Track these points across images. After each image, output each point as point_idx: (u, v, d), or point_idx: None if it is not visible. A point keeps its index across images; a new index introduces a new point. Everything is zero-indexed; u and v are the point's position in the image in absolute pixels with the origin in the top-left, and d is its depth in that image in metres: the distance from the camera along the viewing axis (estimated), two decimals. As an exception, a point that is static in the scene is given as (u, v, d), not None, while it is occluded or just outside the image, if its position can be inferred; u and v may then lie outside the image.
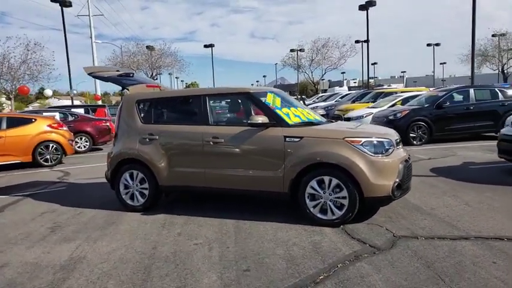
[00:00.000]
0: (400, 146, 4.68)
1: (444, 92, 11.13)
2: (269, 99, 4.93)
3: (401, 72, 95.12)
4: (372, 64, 61.16)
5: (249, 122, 4.60)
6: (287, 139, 4.49)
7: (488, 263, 3.26)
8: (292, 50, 47.60)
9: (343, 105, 18.25)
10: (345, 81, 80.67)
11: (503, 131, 6.68)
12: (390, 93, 16.72)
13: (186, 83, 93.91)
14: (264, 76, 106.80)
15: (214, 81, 50.09)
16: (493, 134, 11.19)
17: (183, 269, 3.46)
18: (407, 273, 3.15)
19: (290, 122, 4.66)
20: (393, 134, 4.70)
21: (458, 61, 50.50)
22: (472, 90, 10.98)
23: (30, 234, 4.68)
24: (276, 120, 4.62)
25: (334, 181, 4.29)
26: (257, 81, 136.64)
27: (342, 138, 4.32)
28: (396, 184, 4.26)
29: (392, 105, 13.88)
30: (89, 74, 6.00)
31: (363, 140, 4.29)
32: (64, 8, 23.70)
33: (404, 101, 14.11)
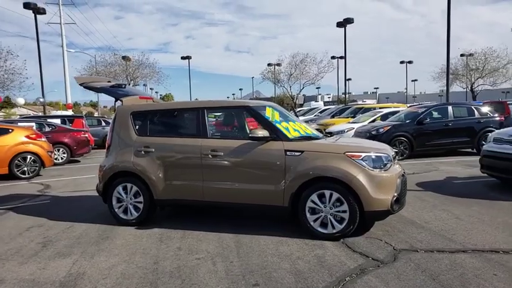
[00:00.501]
0: (396, 161, 4.81)
1: (424, 109, 11.52)
2: (268, 113, 4.98)
3: (374, 88, 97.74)
4: (347, 80, 62.63)
5: (250, 135, 4.62)
6: (288, 153, 4.54)
7: (489, 275, 3.37)
8: (269, 65, 48.17)
9: (323, 120, 18.55)
10: (319, 96, 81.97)
11: (485, 147, 6.96)
12: (369, 109, 17.14)
13: (161, 95, 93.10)
14: (241, 89, 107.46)
15: (190, 93, 49.90)
16: (469, 149, 11.67)
17: (190, 284, 3.41)
18: (415, 286, 3.21)
19: (290, 136, 4.71)
20: (389, 149, 4.83)
21: (430, 78, 52.40)
22: (450, 108, 11.42)
23: (21, 249, 4.49)
24: (277, 134, 4.67)
25: (335, 195, 4.34)
26: (233, 94, 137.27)
27: (342, 153, 4.40)
28: (395, 198, 4.36)
29: (373, 121, 14.23)
30: (80, 85, 5.89)
31: (363, 154, 4.39)
32: (37, 15, 23.24)
33: (384, 116, 14.50)
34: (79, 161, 14.18)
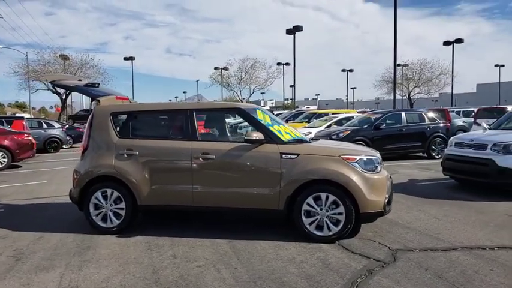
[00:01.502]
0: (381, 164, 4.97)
1: (380, 115, 12.08)
2: (260, 116, 4.92)
3: (316, 95, 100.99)
4: (290, 86, 64.16)
5: (245, 138, 4.53)
6: (283, 156, 4.51)
7: (487, 271, 3.57)
8: (216, 68, 48.03)
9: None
10: (262, 102, 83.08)
11: (447, 151, 7.45)
12: (321, 115, 17.67)
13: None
14: (184, 92, 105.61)
15: (133, 95, 48.10)
16: (420, 154, 12.41)
17: (202, 293, 3.24)
18: (426, 284, 3.31)
19: (284, 139, 4.69)
20: (377, 152, 4.97)
21: (372, 86, 55.24)
22: (403, 114, 12.09)
23: (-10, 264, 4.01)
24: (271, 137, 4.62)
25: (331, 198, 4.38)
26: (176, 97, 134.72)
27: (338, 156, 4.46)
28: (387, 200, 4.50)
29: (328, 126, 14.67)
30: (50, 82, 5.45)
31: (358, 157, 4.48)
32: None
33: (338, 122, 15.03)
34: (20, 166, 13.07)
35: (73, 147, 19.90)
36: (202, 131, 5.12)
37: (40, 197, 7.52)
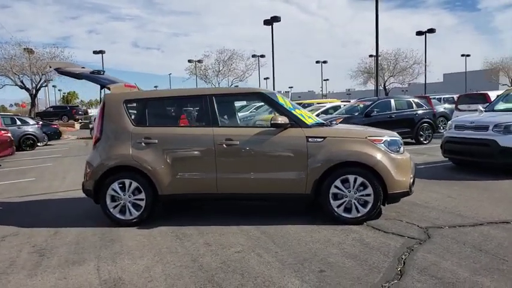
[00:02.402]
0: None
1: (370, 102, 12.25)
2: (281, 100, 4.86)
3: (289, 87, 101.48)
4: (265, 79, 64.15)
5: (271, 122, 4.47)
6: (310, 139, 4.47)
7: (521, 242, 3.68)
8: (190, 61, 47.28)
9: (263, 115, 18.73)
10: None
11: (447, 134, 7.64)
12: (308, 104, 17.77)
13: (64, 93, 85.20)
14: (156, 86, 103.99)
15: (102, 92, 46.55)
16: (408, 140, 12.68)
17: (254, 277, 3.18)
18: (469, 257, 3.38)
19: (308, 123, 4.65)
20: (396, 134, 5.02)
21: (348, 76, 55.89)
22: (393, 101, 12.32)
23: (13, 262, 3.79)
24: (295, 121, 4.58)
25: (359, 179, 4.39)
26: (156, 87, 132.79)
27: (364, 138, 4.47)
28: (412, 180, 4.56)
29: (317, 115, 14.75)
30: (56, 69, 5.19)
31: (383, 138, 4.51)
32: None
33: (325, 111, 15.17)
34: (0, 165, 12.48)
35: (48, 145, 19.18)
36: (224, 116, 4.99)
37: (35, 193, 7.20)
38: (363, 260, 3.42)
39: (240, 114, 22.87)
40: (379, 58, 40.18)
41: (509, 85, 45.16)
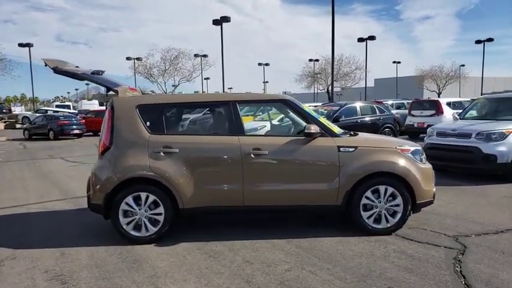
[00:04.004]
0: None
1: (338, 107, 12.54)
2: (305, 108, 4.73)
3: (229, 88, 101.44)
4: (205, 79, 63.30)
5: (305, 131, 4.31)
6: (341, 149, 4.39)
7: (550, 248, 3.91)
8: (128, 58, 45.34)
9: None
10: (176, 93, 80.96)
11: (429, 140, 8.00)
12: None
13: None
14: (87, 84, 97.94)
15: (33, 87, 42.90)
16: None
17: (328, 299, 3.01)
18: (517, 266, 3.51)
19: (336, 132, 4.57)
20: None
21: (293, 80, 56.99)
22: (358, 107, 12.70)
23: (32, 292, 3.25)
24: (324, 130, 4.47)
25: (390, 190, 4.40)
26: (76, 89, 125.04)
27: (395, 148, 4.48)
28: (434, 189, 4.67)
29: (281, 119, 14.77)
30: (53, 69, 4.57)
31: (412, 148, 4.56)
32: None
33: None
34: None
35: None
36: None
37: (1, 207, 6.34)
38: (422, 274, 3.40)
39: (190, 116, 22.43)
40: (323, 63, 41.93)
41: (437, 91, 49.18)
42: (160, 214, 4.32)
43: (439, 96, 45.14)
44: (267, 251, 4.04)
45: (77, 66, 5.04)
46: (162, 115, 4.51)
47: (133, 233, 4.32)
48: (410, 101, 17.65)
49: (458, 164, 7.35)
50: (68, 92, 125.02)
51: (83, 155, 13.58)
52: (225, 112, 4.52)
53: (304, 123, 4.47)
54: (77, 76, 4.66)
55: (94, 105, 47.61)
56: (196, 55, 43.69)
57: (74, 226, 5.09)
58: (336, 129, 4.69)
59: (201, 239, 4.42)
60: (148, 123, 4.46)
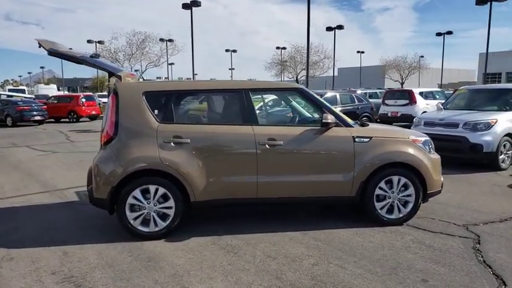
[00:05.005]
0: None
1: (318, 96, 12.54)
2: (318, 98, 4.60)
3: (194, 74, 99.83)
4: (169, 64, 61.70)
5: (323, 121, 4.20)
6: (356, 139, 4.32)
7: (558, 236, 4.06)
8: (89, 41, 43.41)
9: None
10: (141, 80, 78.82)
11: (415, 129, 8.13)
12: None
13: None
14: (42, 67, 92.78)
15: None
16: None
17: (368, 294, 2.94)
18: (535, 255, 3.60)
19: (349, 122, 4.49)
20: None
21: (263, 68, 56.75)
22: (338, 96, 12.78)
23: (45, 297, 2.96)
24: (339, 120, 4.38)
25: (403, 180, 4.39)
26: (29, 73, 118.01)
27: (407, 138, 4.47)
28: (442, 178, 4.72)
29: (260, 108, 14.65)
30: (48, 51, 4.17)
31: (423, 138, 4.57)
32: None
33: (266, 104, 15.11)
34: None
35: None
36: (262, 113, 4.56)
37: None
38: (449, 265, 3.41)
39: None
40: (292, 51, 42.01)
41: (400, 81, 50.72)
42: (170, 208, 4.09)
43: (402, 86, 46.59)
44: (286, 244, 3.92)
45: (70, 48, 4.65)
46: (171, 103, 4.24)
47: (141, 228, 4.07)
48: (384, 91, 18.01)
49: (447, 153, 7.48)
50: (20, 76, 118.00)
51: (51, 143, 12.86)
52: (238, 100, 4.31)
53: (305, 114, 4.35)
54: (75, 59, 4.29)
55: (52, 90, 45.42)
56: (162, 39, 42.36)
57: (69, 221, 4.74)
58: (348, 119, 4.61)
59: (212, 232, 4.24)
60: (156, 112, 4.18)
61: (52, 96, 26.29)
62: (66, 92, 56.84)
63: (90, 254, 3.75)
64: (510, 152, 7.41)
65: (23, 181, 7.07)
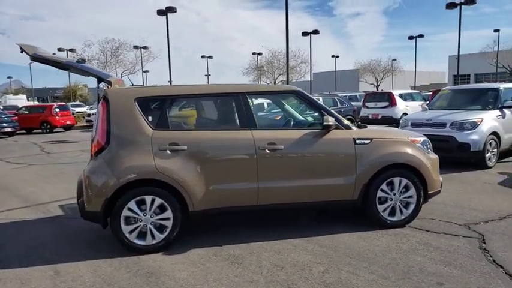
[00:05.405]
0: None
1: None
2: (316, 100, 4.51)
3: (168, 81, 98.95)
4: (144, 72, 60.74)
5: (324, 124, 4.09)
6: (357, 141, 4.24)
7: (558, 232, 4.08)
8: (60, 49, 42.33)
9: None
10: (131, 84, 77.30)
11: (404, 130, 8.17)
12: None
13: None
14: (9, 77, 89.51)
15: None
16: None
17: (386, 301, 2.83)
18: (542, 252, 3.59)
19: (349, 124, 4.41)
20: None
21: (240, 73, 56.63)
22: (321, 98, 12.80)
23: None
24: (338, 122, 4.29)
25: (404, 181, 4.34)
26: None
27: (407, 138, 4.43)
28: (441, 178, 4.70)
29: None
30: (32, 56, 3.92)
31: (421, 138, 4.54)
32: None
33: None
34: None
35: None
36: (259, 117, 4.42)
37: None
38: (461, 267, 3.35)
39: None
40: (269, 56, 42.15)
41: (375, 84, 51.64)
42: (168, 219, 3.88)
43: (377, 89, 47.46)
44: (291, 252, 3.78)
45: (54, 54, 4.40)
46: (165, 108, 4.04)
47: (138, 242, 3.84)
48: (363, 94, 18.23)
49: (435, 152, 7.57)
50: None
51: (26, 155, 12.33)
52: (235, 104, 4.16)
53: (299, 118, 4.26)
54: (60, 64, 4.04)
55: (22, 101, 43.93)
56: (136, 47, 41.71)
57: (56, 237, 4.46)
58: (346, 121, 4.53)
59: (212, 243, 4.06)
60: (150, 118, 3.98)
61: (23, 107, 25.33)
62: (36, 102, 55.12)
63: (84, 271, 3.50)
64: (496, 150, 7.53)
65: (0, 196, 6.67)
